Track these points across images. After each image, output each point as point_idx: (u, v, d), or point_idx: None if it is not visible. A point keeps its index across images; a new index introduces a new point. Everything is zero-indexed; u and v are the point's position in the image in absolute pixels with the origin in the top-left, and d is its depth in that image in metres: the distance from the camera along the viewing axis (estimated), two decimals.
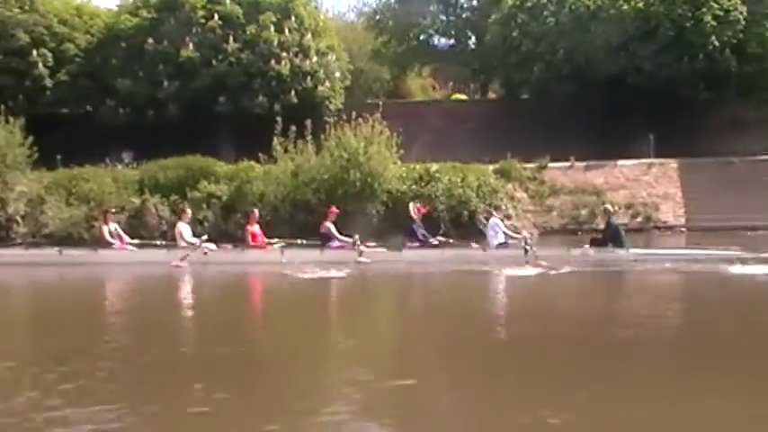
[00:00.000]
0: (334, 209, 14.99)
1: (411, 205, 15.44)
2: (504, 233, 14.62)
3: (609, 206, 15.72)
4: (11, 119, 21.23)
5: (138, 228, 20.22)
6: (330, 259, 13.07)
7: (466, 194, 20.33)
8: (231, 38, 24.64)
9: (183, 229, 14.65)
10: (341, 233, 14.58)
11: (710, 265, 12.44)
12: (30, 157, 21.53)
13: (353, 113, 19.47)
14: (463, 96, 36.95)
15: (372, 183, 19.43)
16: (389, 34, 35.41)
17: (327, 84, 26.35)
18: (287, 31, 25.34)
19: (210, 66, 24.46)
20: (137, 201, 20.67)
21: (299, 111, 25.68)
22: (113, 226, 15.03)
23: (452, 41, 36.43)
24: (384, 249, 14.17)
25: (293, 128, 19.78)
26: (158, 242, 15.40)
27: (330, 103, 26.43)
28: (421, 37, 36.23)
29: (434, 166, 20.86)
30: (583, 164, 24.10)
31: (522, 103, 29.09)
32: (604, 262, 13.26)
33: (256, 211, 15.27)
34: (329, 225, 14.50)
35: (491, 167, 22.64)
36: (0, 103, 20.95)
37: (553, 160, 23.84)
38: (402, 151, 20.01)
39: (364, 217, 18.76)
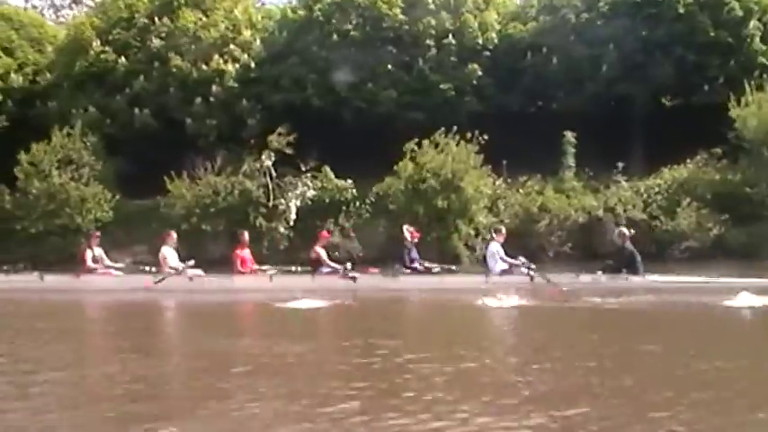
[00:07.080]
0: (325, 233, 14.88)
1: (405, 228, 14.25)
2: (503, 259, 13.19)
3: (624, 229, 13.90)
4: None
5: None
6: (321, 286, 12.55)
7: None
8: None
9: (168, 253, 14.10)
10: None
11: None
12: None
13: None
14: None
15: None
16: None
17: None
18: None
19: None
20: None
21: None
22: (98, 250, 14.57)
23: None
24: (380, 275, 13.49)
25: None
26: (146, 268, 14.38)
27: None
28: None
29: None
30: None
31: None
32: (617, 290, 11.80)
33: (246, 233, 14.53)
34: (319, 250, 13.85)
35: None
36: None
37: None
38: None
39: None
